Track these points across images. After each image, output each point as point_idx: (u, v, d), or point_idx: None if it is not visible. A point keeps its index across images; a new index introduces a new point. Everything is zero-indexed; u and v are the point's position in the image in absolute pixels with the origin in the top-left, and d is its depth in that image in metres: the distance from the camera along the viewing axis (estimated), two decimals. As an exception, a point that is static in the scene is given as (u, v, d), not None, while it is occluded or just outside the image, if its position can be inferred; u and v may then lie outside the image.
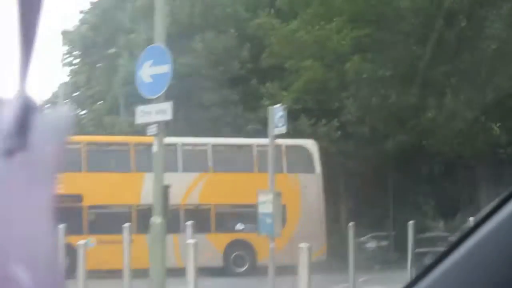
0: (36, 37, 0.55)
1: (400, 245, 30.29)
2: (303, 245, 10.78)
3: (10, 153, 0.52)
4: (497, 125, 27.63)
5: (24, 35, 0.54)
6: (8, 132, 0.53)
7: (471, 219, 21.35)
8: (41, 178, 0.53)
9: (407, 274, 18.77)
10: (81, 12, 47.03)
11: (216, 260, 27.80)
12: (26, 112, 0.52)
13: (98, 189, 27.21)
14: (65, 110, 0.54)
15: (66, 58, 44.58)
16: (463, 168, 33.19)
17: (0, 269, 0.50)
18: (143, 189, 25.77)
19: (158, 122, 12.88)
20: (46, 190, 0.53)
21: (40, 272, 0.52)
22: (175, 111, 13.90)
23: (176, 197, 22.98)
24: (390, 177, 35.36)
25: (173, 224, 17.67)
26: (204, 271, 14.03)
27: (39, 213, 0.53)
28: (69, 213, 24.82)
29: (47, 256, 0.53)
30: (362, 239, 32.69)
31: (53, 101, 41.30)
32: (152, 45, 13.37)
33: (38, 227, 0.52)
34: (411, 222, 21.37)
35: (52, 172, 0.53)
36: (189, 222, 17.39)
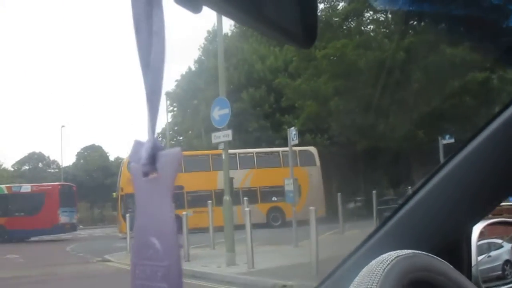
0: (160, 99, 0.58)
1: (368, 205, 30.06)
2: (311, 208, 10.74)
3: (146, 174, 0.56)
4: (421, 131, 27.29)
5: (151, 96, 0.57)
6: (144, 161, 0.57)
7: (410, 188, 21.29)
8: (165, 190, 0.56)
9: (374, 222, 18.59)
10: (176, 80, 47.36)
11: (261, 219, 27.79)
12: (155, 149, 0.56)
13: (192, 181, 27.34)
14: (176, 150, 0.57)
15: (170, 108, 44.90)
16: (402, 158, 32.85)
17: (143, 238, 0.55)
18: (218, 180, 25.88)
19: (224, 142, 12.92)
20: (169, 196, 0.56)
21: (165, 240, 0.55)
22: (233, 135, 13.96)
23: (237, 184, 23.08)
24: (360, 165, 35.11)
25: (236, 199, 17.68)
26: (255, 226, 14.02)
27: (166, 209, 0.56)
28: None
29: (169, 230, 0.56)
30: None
31: (163, 133, 41.56)
32: (218, 97, 13.41)
33: (165, 217, 0.55)
34: (374, 191, 21.19)
35: (172, 186, 0.56)
36: (245, 198, 17.37)
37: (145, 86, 0.56)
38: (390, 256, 0.92)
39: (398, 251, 0.94)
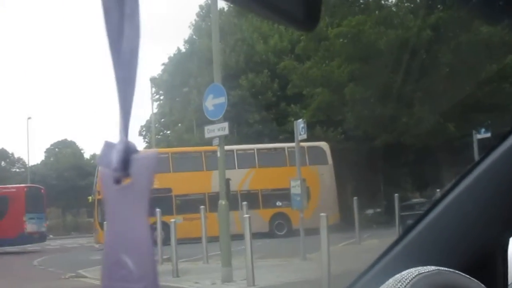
0: (134, 93, 0.58)
1: (389, 211, 30.10)
2: (322, 214, 10.74)
3: (118, 181, 0.56)
4: (452, 124, 27.26)
5: (124, 99, 0.57)
6: (116, 166, 0.56)
7: (438, 191, 21.28)
8: (140, 198, 0.56)
9: (395, 230, 18.61)
10: (162, 64, 47.33)
11: (263, 227, 27.81)
12: (128, 152, 0.56)
13: (182, 183, 27.38)
14: (153, 152, 0.57)
15: (155, 96, 44.86)
16: (429, 155, 32.84)
17: (114, 256, 0.55)
18: (212, 182, 25.89)
19: (219, 136, 12.91)
20: (144, 205, 0.56)
21: (140, 258, 0.55)
22: (230, 128, 13.95)
23: (234, 186, 23.15)
24: (379, 164, 35.11)
25: (233, 204, 17.67)
26: (255, 235, 14.04)
27: (140, 221, 0.56)
28: (163, 200, 25.02)
29: (144, 246, 0.56)
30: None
31: (147, 126, 41.55)
32: (213, 84, 13.40)
33: (140, 230, 0.55)
34: (396, 195, 21.21)
35: (147, 194, 0.56)
36: (244, 202, 17.37)
37: (115, 78, 0.56)
38: (410, 274, 0.92)
39: (420, 267, 0.94)
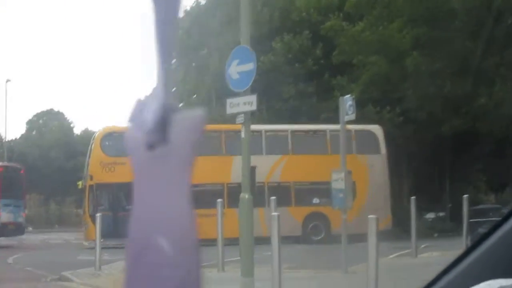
0: (176, 34, 0.57)
1: (455, 216, 29.92)
2: (371, 216, 10.71)
3: (152, 146, 0.55)
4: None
5: (162, 45, 0.56)
6: (151, 127, 0.55)
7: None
8: (178, 168, 0.55)
9: (462, 241, 18.53)
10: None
11: (296, 229, 27.90)
12: (166, 111, 0.55)
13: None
14: (198, 111, 0.54)
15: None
16: (510, 148, 32.56)
17: (144, 239, 0.55)
18: (232, 170, 25.99)
19: (245, 112, 12.92)
20: (183, 177, 0.55)
21: (179, 239, 0.55)
22: (259, 102, 13.95)
23: (261, 176, 23.20)
24: (446, 156, 34.92)
25: (259, 199, 17.72)
26: (285, 239, 14.09)
27: (180, 195, 0.55)
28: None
29: (185, 225, 0.55)
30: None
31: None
32: (239, 46, 13.39)
33: (179, 206, 0.55)
34: (465, 196, 21.05)
35: (187, 163, 0.55)
36: (273, 197, 17.41)
37: (155, 15, 0.56)
38: (490, 287, 0.93)
39: (500, 279, 0.95)
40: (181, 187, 0.55)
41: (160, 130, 0.54)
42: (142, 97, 0.56)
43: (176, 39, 0.56)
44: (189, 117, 0.55)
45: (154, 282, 0.54)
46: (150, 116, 0.54)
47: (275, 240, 11.59)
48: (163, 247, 0.54)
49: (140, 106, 0.56)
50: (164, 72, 0.56)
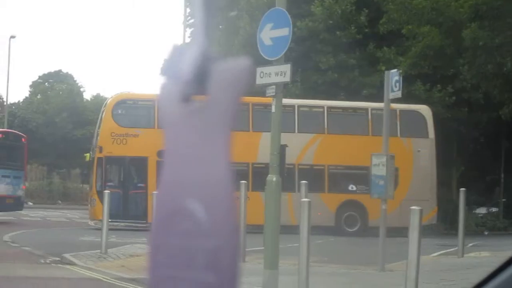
0: None
1: (510, 213, 29.82)
2: (414, 208, 10.69)
3: (188, 98, 0.56)
4: None
5: None
6: (188, 78, 0.56)
7: None
8: (217, 125, 0.56)
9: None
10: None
11: (328, 219, 27.93)
12: (205, 61, 0.56)
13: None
14: (243, 63, 0.55)
15: (189, 19, 45.07)
16: None
17: (174, 203, 0.55)
18: (260, 148, 26.04)
19: (276, 84, 12.91)
20: (221, 136, 0.56)
21: (215, 205, 0.55)
22: (293, 73, 13.94)
23: (292, 157, 23.21)
24: (503, 144, 34.72)
25: (288, 182, 17.77)
26: (316, 229, 14.11)
27: (218, 155, 0.56)
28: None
29: (222, 189, 0.56)
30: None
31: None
32: (273, 8, 13.36)
33: (216, 168, 0.55)
34: (524, 190, 20.96)
35: (227, 120, 0.56)
36: (304, 182, 17.43)
37: None
38: None
39: None
40: (219, 147, 0.55)
41: (198, 81, 0.55)
42: (178, 47, 0.56)
43: None
44: (231, 69, 0.56)
45: (184, 253, 0.54)
46: (188, 65, 0.55)
47: (304, 230, 11.61)
48: (196, 213, 0.55)
49: (177, 54, 0.56)
50: (205, 18, 0.58)
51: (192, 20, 47.28)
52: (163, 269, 0.55)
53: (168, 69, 0.55)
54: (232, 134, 0.54)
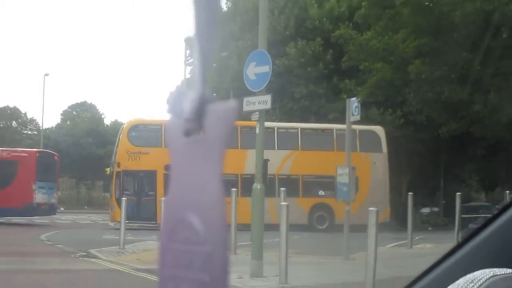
0: (214, 34, 0.59)
1: (448, 212, 29.87)
2: (372, 209, 10.69)
3: (189, 132, 0.57)
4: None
5: (203, 30, 0.58)
6: (188, 116, 0.58)
7: (507, 192, 21.01)
8: (212, 154, 0.57)
9: (454, 235, 18.47)
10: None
11: (302, 218, 27.93)
12: (203, 102, 0.57)
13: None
14: (231, 104, 0.56)
15: (189, 60, 45.07)
16: (502, 151, 32.42)
17: (177, 215, 0.56)
18: (246, 162, 26.02)
19: (260, 110, 12.91)
20: (216, 163, 0.57)
21: (209, 218, 0.56)
22: (273, 102, 13.94)
23: (272, 169, 23.16)
24: (442, 157, 34.83)
25: (269, 189, 17.71)
26: (292, 227, 14.09)
27: (212, 178, 0.57)
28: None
29: (215, 205, 0.57)
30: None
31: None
32: (256, 50, 13.37)
33: (210, 187, 0.56)
34: (458, 194, 20.98)
35: (222, 148, 0.57)
36: (282, 188, 17.41)
37: (195, 16, 0.58)
38: (484, 274, 0.92)
39: (494, 269, 0.94)
40: (213, 170, 0.56)
41: (197, 118, 0.56)
42: (181, 89, 0.58)
43: (214, 38, 0.59)
44: (222, 108, 0.57)
45: (185, 256, 0.56)
46: (189, 106, 0.57)
47: (283, 227, 11.60)
48: (194, 225, 0.56)
49: (179, 98, 0.58)
50: (202, 66, 0.58)
51: (191, 60, 47.31)
52: (168, 269, 0.58)
53: (173, 108, 0.58)
54: (224, 157, 0.57)
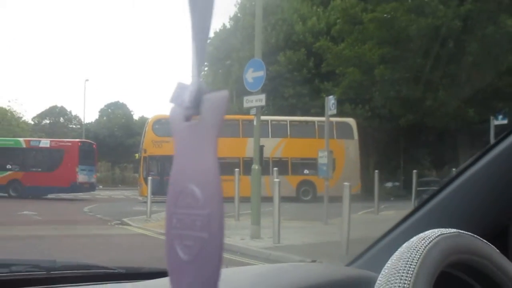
0: (207, 39, 0.58)
1: (407, 185, 29.87)
2: (346, 184, 10.71)
3: (188, 118, 0.56)
4: (472, 109, 26.77)
5: (198, 41, 0.58)
6: (188, 104, 0.56)
7: (453, 169, 21.04)
8: (209, 135, 0.57)
9: (411, 204, 18.50)
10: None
11: (291, 192, 27.93)
12: (200, 92, 0.56)
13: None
14: (224, 93, 0.59)
15: (200, 67, 44.74)
16: (449, 137, 32.40)
17: (180, 186, 0.55)
18: (247, 148, 26.00)
19: (256, 107, 12.89)
20: (211, 141, 0.57)
21: (206, 186, 0.55)
22: (267, 100, 13.92)
23: (267, 153, 23.18)
24: (401, 142, 34.79)
25: (265, 169, 17.70)
26: (283, 199, 14.10)
27: (208, 154, 0.56)
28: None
29: (211, 175, 0.57)
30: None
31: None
32: (253, 58, 13.34)
33: (207, 162, 0.55)
34: (414, 171, 21.00)
35: (216, 131, 0.58)
36: (275, 168, 17.42)
37: (191, 23, 0.57)
38: (433, 233, 0.93)
39: (442, 229, 0.94)
40: (209, 148, 0.56)
41: (195, 106, 0.58)
42: (181, 84, 0.60)
43: (207, 40, 0.60)
44: (216, 97, 0.58)
45: (187, 219, 0.56)
46: (188, 96, 0.58)
47: (276, 199, 11.63)
48: (194, 192, 0.57)
49: (180, 89, 0.60)
50: (198, 65, 0.59)
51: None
52: (175, 229, 0.59)
53: (174, 99, 0.60)
54: (218, 139, 0.59)
